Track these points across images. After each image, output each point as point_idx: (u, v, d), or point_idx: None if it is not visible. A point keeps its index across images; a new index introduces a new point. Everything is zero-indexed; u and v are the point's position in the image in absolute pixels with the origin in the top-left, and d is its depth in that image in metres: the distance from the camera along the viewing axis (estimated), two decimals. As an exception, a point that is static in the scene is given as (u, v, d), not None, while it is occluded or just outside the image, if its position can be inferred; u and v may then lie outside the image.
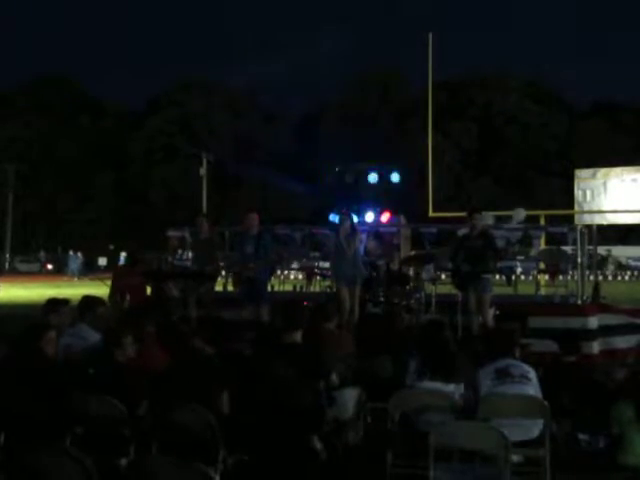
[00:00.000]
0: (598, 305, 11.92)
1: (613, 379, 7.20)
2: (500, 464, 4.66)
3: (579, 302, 11.66)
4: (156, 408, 5.09)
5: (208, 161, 44.55)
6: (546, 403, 5.36)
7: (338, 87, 67.90)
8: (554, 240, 16.05)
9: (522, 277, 16.33)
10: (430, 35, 24.82)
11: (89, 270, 44.87)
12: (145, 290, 10.79)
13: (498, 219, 16.87)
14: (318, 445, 5.26)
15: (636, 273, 47.55)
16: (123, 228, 58.17)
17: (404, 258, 12.55)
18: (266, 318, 9.92)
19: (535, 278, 14.56)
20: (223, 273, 13.24)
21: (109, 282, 11.03)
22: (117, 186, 63.26)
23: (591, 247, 15.21)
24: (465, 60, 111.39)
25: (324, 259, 13.88)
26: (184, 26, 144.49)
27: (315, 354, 6.09)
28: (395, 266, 11.49)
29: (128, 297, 10.60)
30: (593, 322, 10.94)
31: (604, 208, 27.97)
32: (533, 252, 14.80)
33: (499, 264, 11.39)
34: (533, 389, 5.60)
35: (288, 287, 14.89)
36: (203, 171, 44.34)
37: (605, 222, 29.34)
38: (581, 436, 6.48)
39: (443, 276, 13.56)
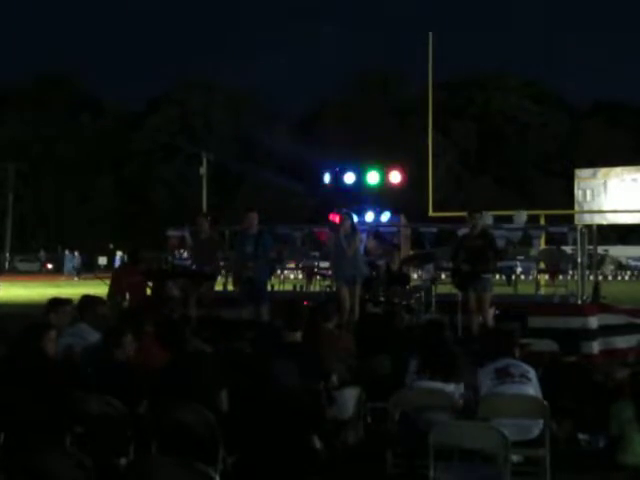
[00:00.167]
0: (598, 305, 11.92)
1: (613, 379, 7.20)
2: (500, 464, 4.66)
3: (579, 302, 11.66)
4: (156, 407, 5.10)
5: (208, 160, 44.54)
6: (546, 403, 5.36)
7: (338, 87, 67.96)
8: (554, 240, 16.04)
9: (522, 277, 16.32)
10: (430, 35, 24.87)
11: (89, 269, 44.92)
12: (145, 289, 10.79)
13: (497, 219, 16.85)
14: (318, 444, 5.26)
15: (636, 273, 47.58)
16: (123, 228, 58.16)
17: (404, 258, 12.54)
18: (266, 318, 9.92)
19: (535, 278, 14.56)
20: (223, 272, 13.25)
21: (109, 281, 11.03)
22: (117, 185, 63.27)
23: (591, 247, 15.19)
24: (465, 60, 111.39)
25: (323, 258, 13.88)
26: (184, 25, 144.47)
27: (315, 354, 6.09)
28: (395, 266, 11.49)
29: (128, 296, 10.61)
30: (593, 322, 10.94)
31: (604, 208, 28.02)
32: (533, 252, 14.80)
33: (499, 264, 11.39)
34: (533, 389, 5.60)
35: (288, 287, 14.89)
36: (203, 170, 44.34)
37: (605, 222, 29.38)
38: (581, 436, 6.49)
39: (443, 276, 13.57)
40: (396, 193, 17.19)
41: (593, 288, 12.87)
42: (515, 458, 5.06)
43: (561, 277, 14.83)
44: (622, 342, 10.89)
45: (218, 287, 12.19)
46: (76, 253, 46.09)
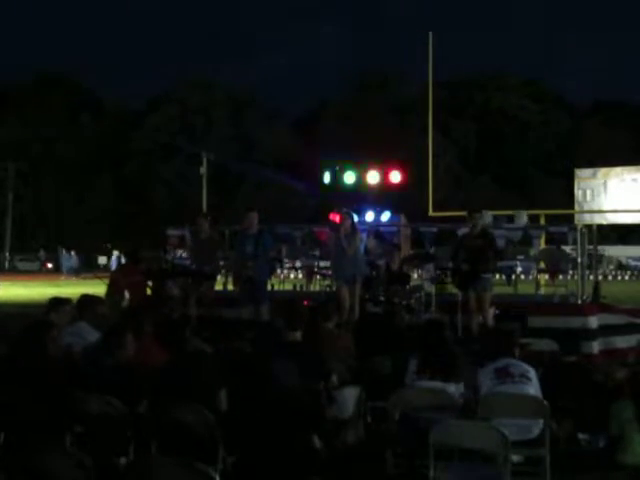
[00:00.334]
0: (598, 305, 11.91)
1: (613, 379, 7.20)
2: (500, 463, 4.66)
3: (579, 302, 11.66)
4: (156, 407, 5.09)
5: (208, 160, 44.51)
6: (546, 403, 5.36)
7: (338, 86, 68.02)
8: (554, 240, 16.04)
9: (522, 277, 16.33)
10: (430, 35, 24.86)
11: (88, 269, 44.92)
12: (146, 289, 10.79)
13: (496, 218, 16.84)
14: (318, 444, 5.26)
15: (636, 273, 47.61)
16: (122, 227, 58.16)
17: (404, 257, 12.54)
18: (266, 317, 9.92)
19: (535, 278, 14.56)
20: (223, 272, 13.25)
21: (108, 281, 11.03)
22: (117, 185, 63.27)
23: (591, 247, 15.18)
24: (465, 60, 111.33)
25: (323, 258, 13.88)
26: (184, 25, 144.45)
27: (315, 353, 6.09)
28: (395, 265, 11.49)
29: (128, 295, 10.61)
30: (593, 322, 10.94)
31: (604, 208, 28.00)
32: (533, 252, 14.81)
33: (499, 264, 11.39)
34: (533, 389, 5.60)
35: (288, 286, 14.89)
36: (203, 170, 44.26)
37: (605, 222, 29.37)
38: (581, 436, 6.48)
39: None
40: (396, 193, 17.17)
41: (593, 288, 12.87)
42: (515, 458, 5.06)
43: (561, 277, 14.84)
44: (622, 342, 10.89)
45: (218, 287, 12.19)
46: (72, 252, 46.07)
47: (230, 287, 12.42)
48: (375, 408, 6.37)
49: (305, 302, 9.44)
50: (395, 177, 16.31)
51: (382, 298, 10.68)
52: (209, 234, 11.08)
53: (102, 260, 53.10)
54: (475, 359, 6.49)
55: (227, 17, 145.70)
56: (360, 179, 16.20)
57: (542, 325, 10.48)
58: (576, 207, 28.63)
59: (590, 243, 14.29)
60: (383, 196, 16.43)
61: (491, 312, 10.20)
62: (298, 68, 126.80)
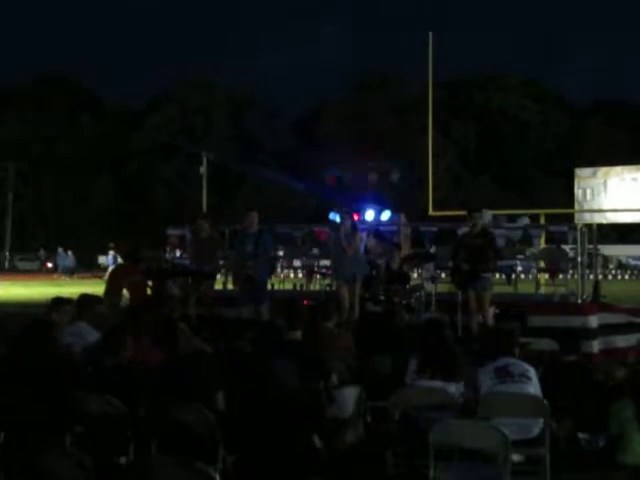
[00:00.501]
0: (598, 304, 11.91)
1: (613, 378, 7.20)
2: (500, 463, 4.66)
3: (579, 301, 11.66)
4: (155, 407, 5.09)
5: (208, 160, 44.49)
6: (546, 402, 5.36)
7: (338, 85, 68.00)
8: (554, 239, 16.04)
9: (522, 276, 16.32)
10: (430, 35, 24.85)
11: (88, 268, 44.94)
12: (146, 288, 10.79)
13: (495, 218, 16.84)
14: (318, 444, 5.25)
15: (636, 272, 47.61)
16: (123, 227, 58.13)
17: (404, 257, 12.54)
18: (266, 317, 9.92)
19: (535, 277, 14.55)
20: (222, 271, 13.25)
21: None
22: (117, 185, 63.26)
23: (591, 246, 15.18)
24: (465, 60, 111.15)
25: (323, 257, 13.88)
26: (184, 25, 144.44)
27: (315, 353, 6.09)
28: (395, 265, 11.48)
29: (128, 295, 10.61)
30: (593, 321, 10.94)
31: (604, 207, 27.97)
32: (533, 251, 14.80)
33: (499, 263, 11.38)
34: (533, 388, 5.60)
35: (288, 286, 14.89)
36: (203, 170, 44.26)
37: (605, 221, 29.35)
38: (581, 435, 6.48)
39: (443, 275, 13.56)
40: (396, 192, 17.17)
41: (593, 287, 12.87)
42: (515, 457, 5.06)
43: (561, 276, 14.83)
44: (622, 341, 10.88)
45: (218, 286, 12.20)
46: (69, 252, 46.07)
47: (230, 286, 12.43)
48: (375, 408, 6.36)
49: (305, 301, 9.45)
50: (395, 177, 16.32)
51: (382, 297, 10.68)
52: (209, 233, 11.09)
53: (102, 260, 53.05)
54: (475, 358, 6.49)
55: (227, 17, 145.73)
56: (360, 179, 16.20)
57: (542, 324, 10.48)
58: (576, 206, 28.59)
59: (590, 242, 14.28)
60: (383, 195, 16.42)
61: (491, 311, 10.20)
62: (298, 68, 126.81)
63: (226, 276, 13.25)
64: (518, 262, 14.39)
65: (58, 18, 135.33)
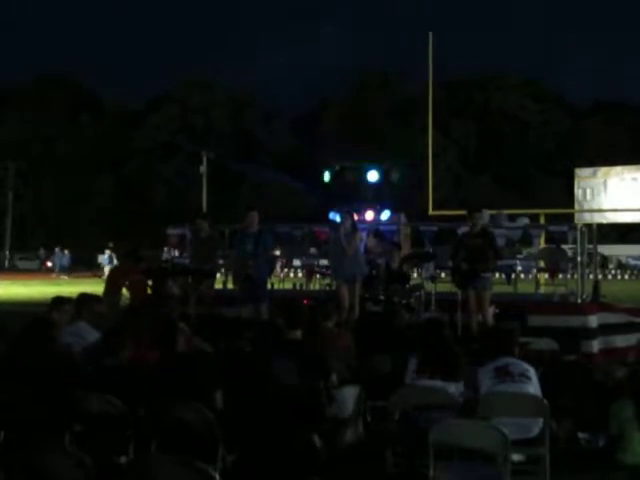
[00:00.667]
0: (598, 304, 11.91)
1: (613, 378, 7.20)
2: (500, 463, 4.66)
3: (579, 301, 11.65)
4: (155, 406, 5.09)
5: (208, 159, 44.48)
6: (546, 402, 5.36)
7: (338, 86, 67.94)
8: (554, 239, 16.03)
9: (522, 276, 16.32)
10: (430, 35, 24.84)
11: (87, 268, 44.90)
12: (146, 288, 10.79)
13: (493, 218, 16.83)
14: (317, 443, 5.25)
15: (636, 272, 47.61)
16: (123, 226, 58.11)
17: (404, 256, 12.53)
18: (266, 316, 9.92)
19: (535, 277, 14.55)
20: (222, 271, 13.25)
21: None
22: (117, 184, 63.24)
23: (591, 246, 15.17)
24: (465, 60, 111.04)
25: (323, 256, 13.87)
26: (184, 25, 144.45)
27: (315, 352, 6.08)
28: (395, 264, 11.48)
29: (129, 295, 10.61)
30: (593, 321, 10.93)
31: (604, 207, 27.94)
32: (532, 251, 14.80)
33: (499, 262, 11.38)
34: (533, 388, 5.60)
35: (288, 285, 14.89)
36: (203, 169, 44.27)
37: (605, 221, 29.32)
38: (581, 435, 6.48)
39: (443, 274, 13.56)
40: (396, 192, 17.17)
41: (593, 287, 12.86)
42: (515, 457, 5.06)
43: (561, 276, 14.82)
44: (622, 341, 10.89)
45: (218, 285, 12.20)
46: (66, 251, 46.08)
47: (230, 286, 12.43)
48: (375, 407, 6.36)
49: (305, 301, 9.45)
50: (395, 176, 16.30)
51: (382, 297, 10.68)
52: (209, 233, 11.11)
53: (101, 259, 53.05)
54: (475, 358, 6.48)
55: (227, 17, 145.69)
56: (360, 178, 16.18)
57: (542, 324, 10.48)
58: (576, 206, 28.55)
59: (590, 242, 14.27)
60: (383, 195, 16.41)
61: (491, 311, 10.20)
62: (298, 68, 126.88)
63: (226, 275, 13.25)
64: (518, 262, 14.39)
65: (58, 18, 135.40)
